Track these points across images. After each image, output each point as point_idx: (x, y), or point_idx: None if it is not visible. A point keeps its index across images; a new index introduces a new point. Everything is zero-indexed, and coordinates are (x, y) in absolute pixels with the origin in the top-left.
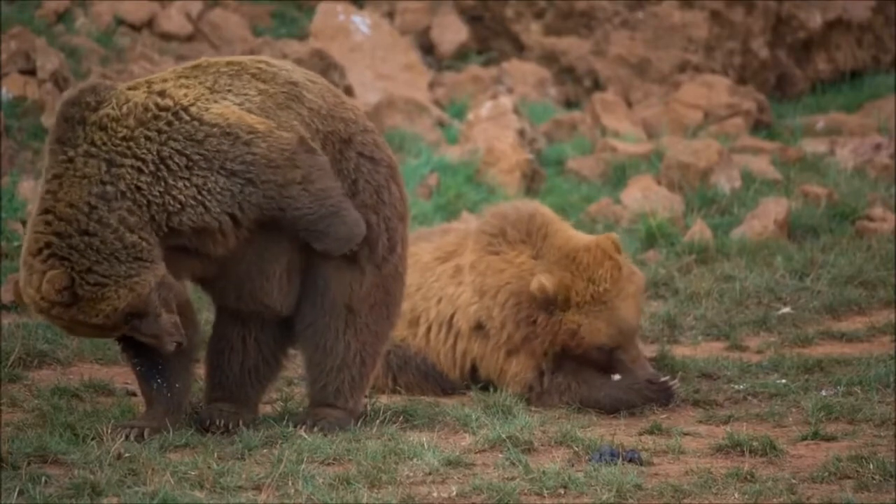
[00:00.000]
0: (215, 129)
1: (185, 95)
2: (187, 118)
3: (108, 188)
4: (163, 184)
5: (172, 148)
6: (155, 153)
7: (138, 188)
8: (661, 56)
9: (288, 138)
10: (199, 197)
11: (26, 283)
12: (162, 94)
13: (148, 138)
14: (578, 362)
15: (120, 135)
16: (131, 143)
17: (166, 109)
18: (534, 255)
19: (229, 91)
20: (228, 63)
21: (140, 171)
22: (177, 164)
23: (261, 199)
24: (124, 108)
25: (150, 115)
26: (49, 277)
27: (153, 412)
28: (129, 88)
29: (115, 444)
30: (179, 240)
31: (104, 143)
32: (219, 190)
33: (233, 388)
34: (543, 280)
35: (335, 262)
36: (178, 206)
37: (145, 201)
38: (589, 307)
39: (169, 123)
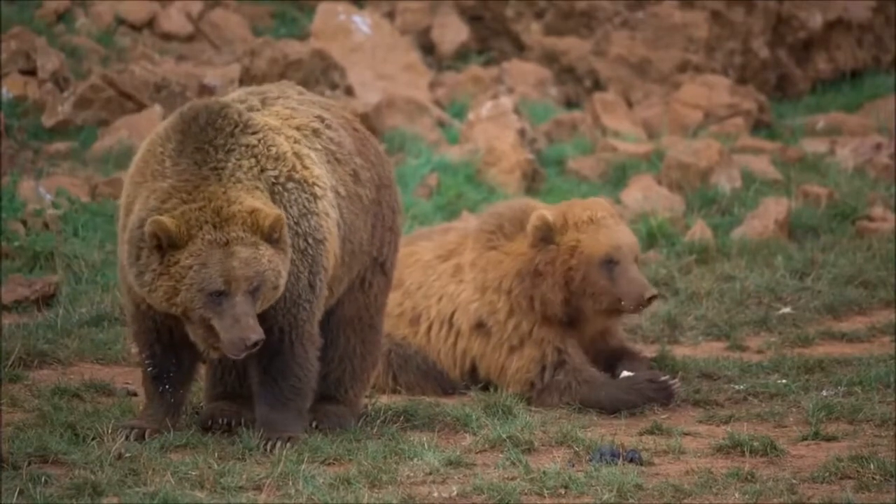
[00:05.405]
0: (321, 246)
1: (318, 178)
2: (317, 212)
3: None
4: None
5: (308, 226)
6: (296, 215)
7: None
8: (662, 56)
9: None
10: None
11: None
12: (301, 159)
13: (295, 201)
14: (582, 286)
15: (272, 174)
16: (278, 188)
17: (313, 185)
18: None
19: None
20: (313, 132)
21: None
22: (305, 244)
23: (288, 311)
24: (273, 150)
25: (297, 175)
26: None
27: (154, 412)
28: (270, 129)
29: (115, 444)
30: None
31: (250, 169)
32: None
33: (234, 387)
34: (541, 210)
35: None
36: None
37: None
38: (586, 226)
39: (313, 200)
